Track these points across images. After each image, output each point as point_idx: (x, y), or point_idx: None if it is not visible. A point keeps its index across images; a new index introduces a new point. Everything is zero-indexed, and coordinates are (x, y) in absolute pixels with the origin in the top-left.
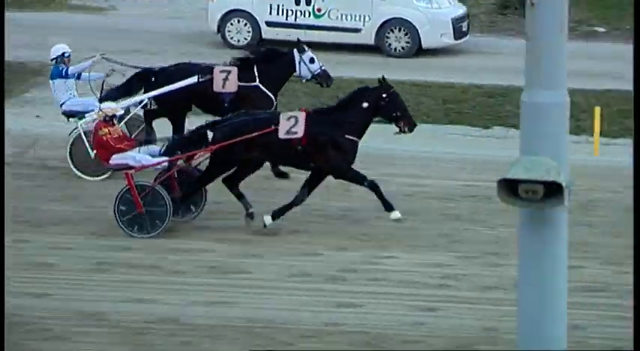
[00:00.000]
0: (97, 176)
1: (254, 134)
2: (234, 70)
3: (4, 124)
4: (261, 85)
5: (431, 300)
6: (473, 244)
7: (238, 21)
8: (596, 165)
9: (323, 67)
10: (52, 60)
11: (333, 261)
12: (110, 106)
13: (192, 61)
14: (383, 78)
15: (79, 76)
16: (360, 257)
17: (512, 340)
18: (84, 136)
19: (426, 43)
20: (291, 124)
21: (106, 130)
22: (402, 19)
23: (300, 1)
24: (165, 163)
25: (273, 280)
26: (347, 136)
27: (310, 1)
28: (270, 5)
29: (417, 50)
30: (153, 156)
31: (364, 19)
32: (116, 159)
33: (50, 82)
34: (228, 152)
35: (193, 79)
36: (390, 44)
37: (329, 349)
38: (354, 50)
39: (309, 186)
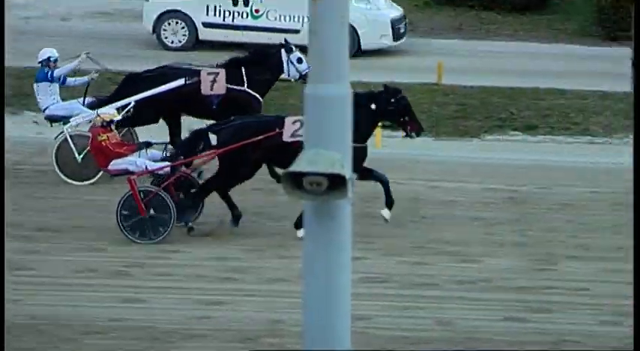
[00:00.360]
0: (84, 181)
1: (260, 137)
2: (222, 72)
3: (4, 124)
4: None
5: (217, 293)
6: (259, 237)
7: (177, 22)
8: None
9: (311, 67)
10: (39, 63)
11: (119, 256)
12: (108, 112)
13: (175, 64)
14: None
15: (63, 81)
16: (145, 252)
17: (298, 331)
18: (70, 141)
19: (365, 45)
20: (297, 128)
21: (105, 135)
22: None
23: (237, 2)
24: (168, 169)
25: (57, 277)
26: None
27: (248, 2)
28: (207, 6)
29: (356, 51)
30: (154, 161)
31: (303, 19)
32: (116, 165)
33: (34, 85)
34: (237, 154)
35: (180, 82)
36: None
37: (114, 344)
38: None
39: None
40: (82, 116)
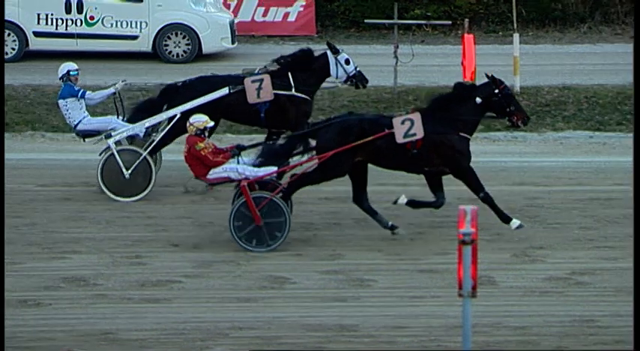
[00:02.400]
0: (131, 197)
1: (369, 138)
2: (267, 77)
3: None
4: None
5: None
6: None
7: (9, 34)
8: None
9: (358, 68)
10: (60, 78)
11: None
12: (200, 119)
13: (214, 74)
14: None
15: (83, 95)
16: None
17: None
18: (117, 156)
19: (207, 48)
20: (407, 127)
21: (202, 144)
22: (182, 24)
23: (71, 10)
24: (274, 175)
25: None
26: (461, 133)
27: (82, 9)
28: (38, 14)
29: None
30: (255, 167)
31: (140, 25)
32: (216, 173)
33: (60, 101)
34: (339, 156)
35: (224, 91)
36: (169, 50)
37: None
38: (131, 58)
39: (437, 187)
40: (124, 131)
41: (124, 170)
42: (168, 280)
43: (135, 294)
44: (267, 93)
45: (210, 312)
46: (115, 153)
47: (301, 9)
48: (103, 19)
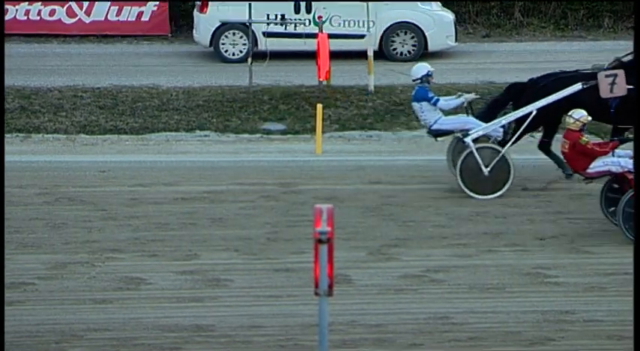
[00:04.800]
0: (489, 194)
1: None
2: (621, 72)
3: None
4: None
5: None
6: None
7: (234, 34)
8: None
9: None
10: (414, 80)
11: None
12: (583, 114)
13: (563, 70)
14: None
15: (435, 102)
16: None
17: None
18: (476, 153)
19: (432, 46)
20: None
21: (585, 138)
22: (409, 22)
23: (299, 10)
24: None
25: None
26: None
27: (310, 9)
28: (268, 15)
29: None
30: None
31: (367, 25)
32: (597, 167)
33: (414, 104)
34: None
35: (578, 87)
36: (395, 48)
37: None
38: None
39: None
40: (481, 129)
41: (483, 167)
42: (21, 283)
43: None
44: (621, 88)
45: (65, 314)
46: (474, 151)
47: (155, 9)
48: (331, 19)
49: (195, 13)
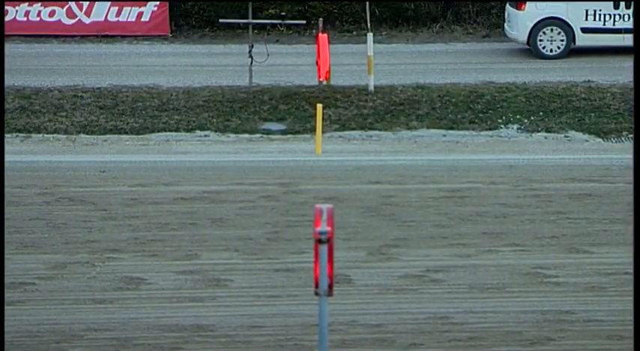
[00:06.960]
0: None
1: None
2: None
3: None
4: None
5: None
6: None
7: (551, 30)
8: None
9: None
10: None
11: None
12: None
13: None
14: None
15: None
16: None
17: None
18: None
19: None
20: None
21: None
22: None
23: (619, 5)
24: None
25: None
26: None
27: (630, 4)
28: (586, 11)
29: None
30: None
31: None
32: None
33: None
34: None
35: None
36: None
37: None
38: None
39: None
40: None
41: None
42: (21, 283)
43: None
44: None
45: (65, 314)
46: None
47: (155, 9)
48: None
49: (511, 10)
